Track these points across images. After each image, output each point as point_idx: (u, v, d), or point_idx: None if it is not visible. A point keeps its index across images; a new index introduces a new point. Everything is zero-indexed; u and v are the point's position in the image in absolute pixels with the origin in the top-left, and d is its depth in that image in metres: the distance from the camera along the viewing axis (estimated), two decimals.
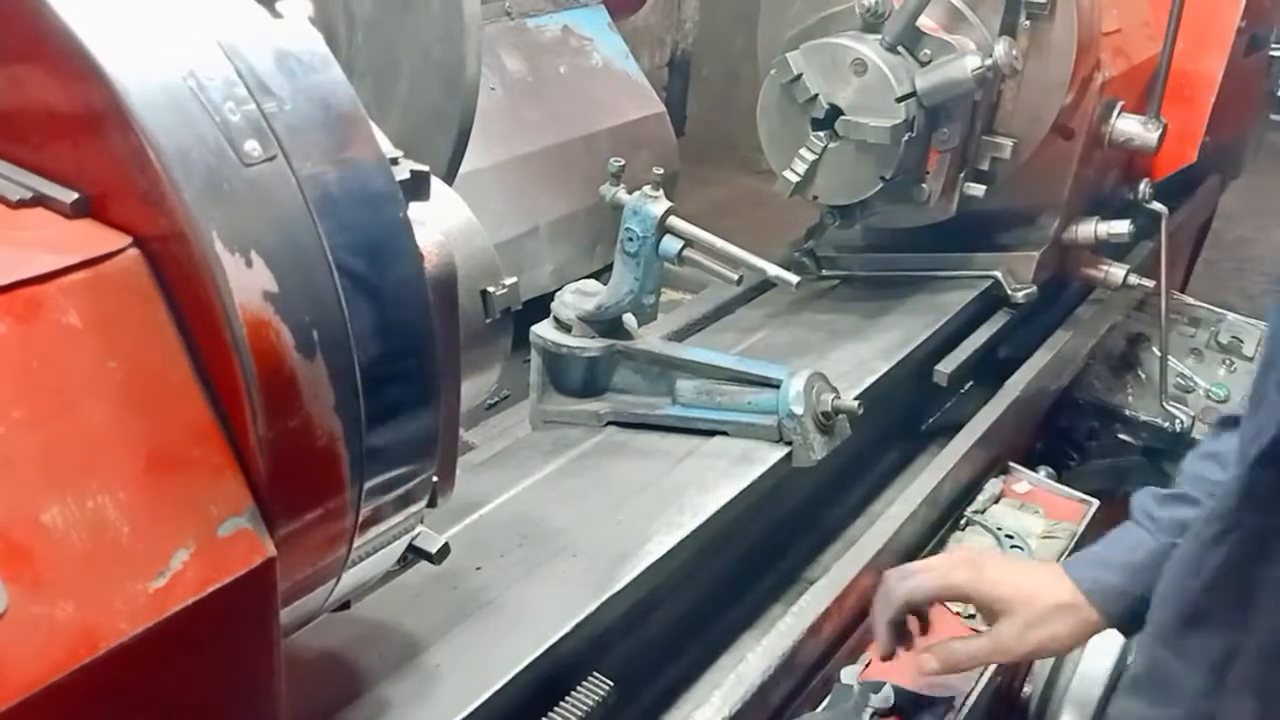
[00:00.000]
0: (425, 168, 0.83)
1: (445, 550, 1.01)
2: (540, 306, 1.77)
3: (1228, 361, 2.85)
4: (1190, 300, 2.99)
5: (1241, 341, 2.86)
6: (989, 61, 1.87)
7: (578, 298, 1.74)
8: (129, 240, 0.68)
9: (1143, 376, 2.81)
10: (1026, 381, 2.14)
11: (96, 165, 0.69)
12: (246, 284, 0.67)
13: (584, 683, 1.24)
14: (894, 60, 1.92)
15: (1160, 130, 2.20)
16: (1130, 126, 2.22)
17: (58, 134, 0.70)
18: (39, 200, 0.70)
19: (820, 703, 1.47)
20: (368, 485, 0.79)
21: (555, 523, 1.48)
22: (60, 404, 0.62)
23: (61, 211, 0.69)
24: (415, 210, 1.01)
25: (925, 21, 1.98)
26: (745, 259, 1.57)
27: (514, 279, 1.15)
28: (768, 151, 2.07)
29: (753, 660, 1.39)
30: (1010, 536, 1.81)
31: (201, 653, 0.68)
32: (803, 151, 1.99)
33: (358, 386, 0.74)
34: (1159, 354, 2.73)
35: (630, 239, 1.63)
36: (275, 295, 0.68)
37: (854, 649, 1.57)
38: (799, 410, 1.58)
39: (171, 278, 0.68)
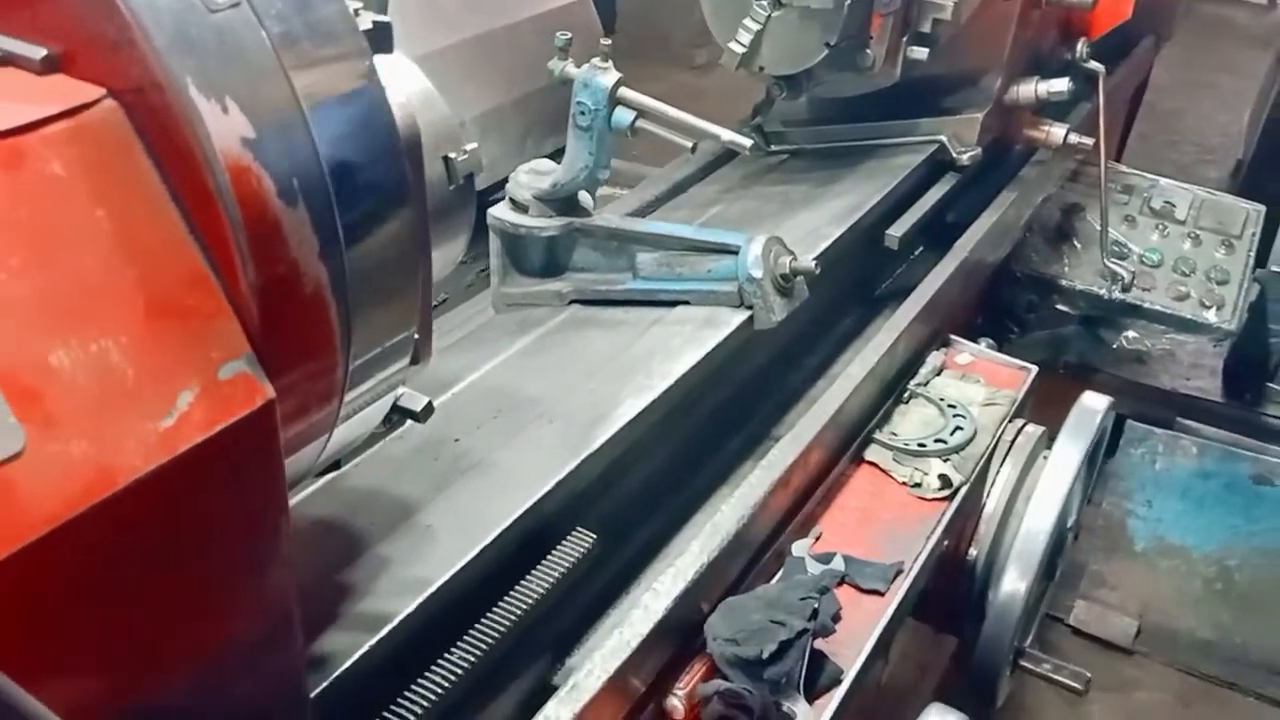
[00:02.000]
0: (387, 19, 0.84)
1: (430, 409, 1.04)
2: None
3: (1160, 226, 2.93)
4: (1123, 168, 3.06)
5: (1174, 206, 2.94)
6: None
7: (532, 177, 1.75)
8: (104, 92, 0.68)
9: (1078, 247, 2.88)
10: (975, 243, 2.19)
11: (63, 21, 0.69)
12: (224, 130, 0.68)
13: (569, 537, 1.29)
14: None
15: None
16: None
17: None
18: (7, 60, 0.70)
19: (774, 576, 1.53)
20: (355, 336, 0.82)
21: (528, 393, 1.51)
22: (53, 251, 0.64)
23: (31, 69, 0.70)
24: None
25: None
26: (698, 125, 1.59)
27: (474, 145, 1.16)
28: (711, 25, 2.07)
29: (727, 511, 1.45)
30: (953, 406, 1.87)
31: (212, 491, 0.71)
32: (746, 22, 2.00)
33: (339, 234, 0.76)
34: (1095, 224, 2.80)
35: (582, 113, 1.64)
36: (253, 141, 0.70)
37: (804, 523, 1.63)
38: (758, 274, 1.62)
39: (149, 128, 0.69)
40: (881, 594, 1.54)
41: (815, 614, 1.37)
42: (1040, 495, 1.77)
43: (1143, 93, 4.10)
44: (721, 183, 2.29)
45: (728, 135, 1.57)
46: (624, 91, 1.62)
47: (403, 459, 1.37)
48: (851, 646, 1.45)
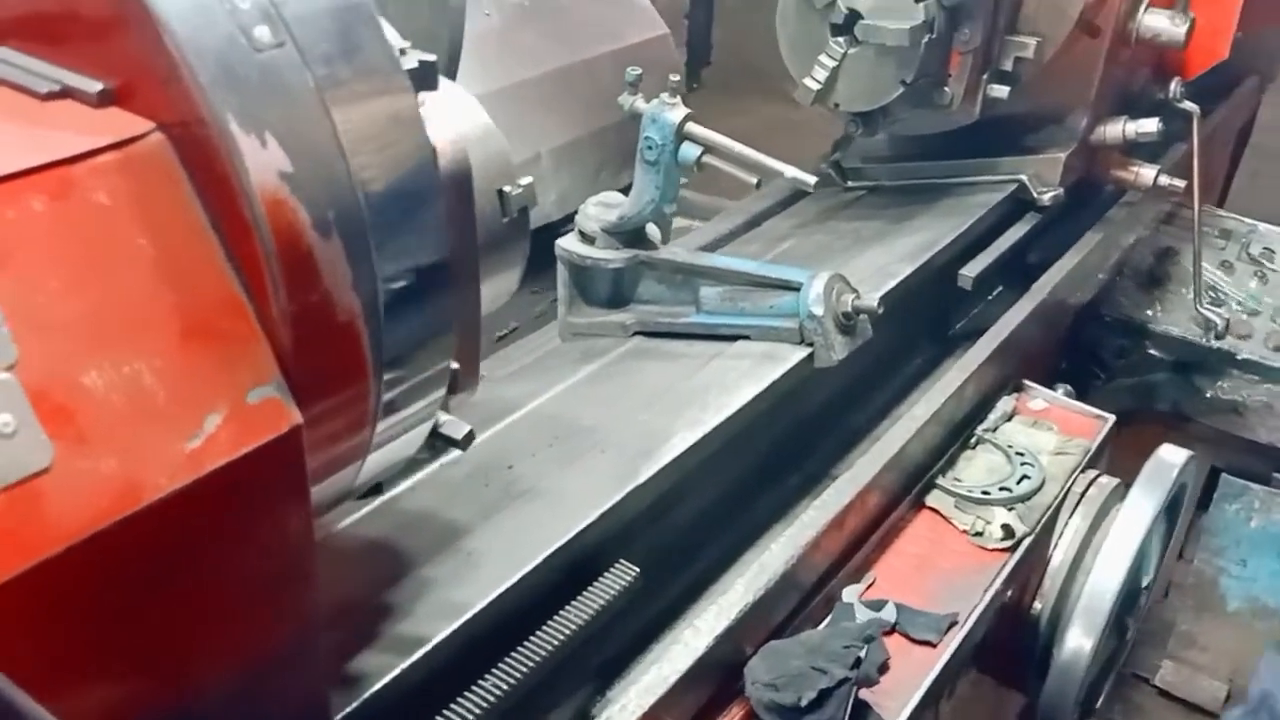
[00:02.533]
0: (432, 57, 0.86)
1: (470, 436, 1.06)
2: (546, 236, 1.80)
3: (1259, 273, 2.82)
4: (1220, 212, 2.96)
5: (1273, 252, 2.83)
6: None
7: (601, 209, 1.77)
8: (153, 126, 0.72)
9: (1171, 291, 2.80)
10: (1054, 284, 2.14)
11: (119, 57, 0.73)
12: (263, 163, 0.71)
13: (611, 569, 1.29)
14: None
15: (1188, 24, 2.16)
16: (1157, 21, 2.18)
17: (82, 30, 0.74)
18: (66, 92, 0.74)
19: (823, 621, 1.51)
20: (388, 365, 0.84)
21: (584, 423, 1.52)
22: (93, 276, 0.67)
23: (88, 102, 0.73)
24: (429, 110, 1.05)
25: None
26: (763, 162, 1.59)
27: (529, 179, 1.18)
28: (788, 60, 2.07)
29: (776, 550, 1.44)
30: (1021, 454, 1.83)
31: (236, 512, 0.73)
32: (822, 58, 1.99)
33: (374, 266, 0.78)
34: (1189, 268, 2.71)
35: (649, 147, 1.65)
36: (290, 175, 0.72)
37: (859, 568, 1.61)
38: (819, 311, 1.61)
39: (194, 160, 0.72)
40: (933, 645, 1.50)
41: (859, 663, 1.35)
42: (1109, 550, 1.71)
43: (1248, 135, 3.97)
44: (797, 217, 2.29)
45: (791, 172, 1.57)
46: (691, 127, 1.63)
47: (455, 484, 1.39)
48: (898, 698, 1.42)
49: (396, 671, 1.05)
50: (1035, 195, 2.22)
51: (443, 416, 1.05)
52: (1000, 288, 2.30)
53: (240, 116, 0.70)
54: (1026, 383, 2.06)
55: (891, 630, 1.53)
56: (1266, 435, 2.98)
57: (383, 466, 0.94)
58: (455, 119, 1.12)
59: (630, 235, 1.76)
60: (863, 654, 1.40)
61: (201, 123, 0.70)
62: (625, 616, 1.35)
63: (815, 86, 2.01)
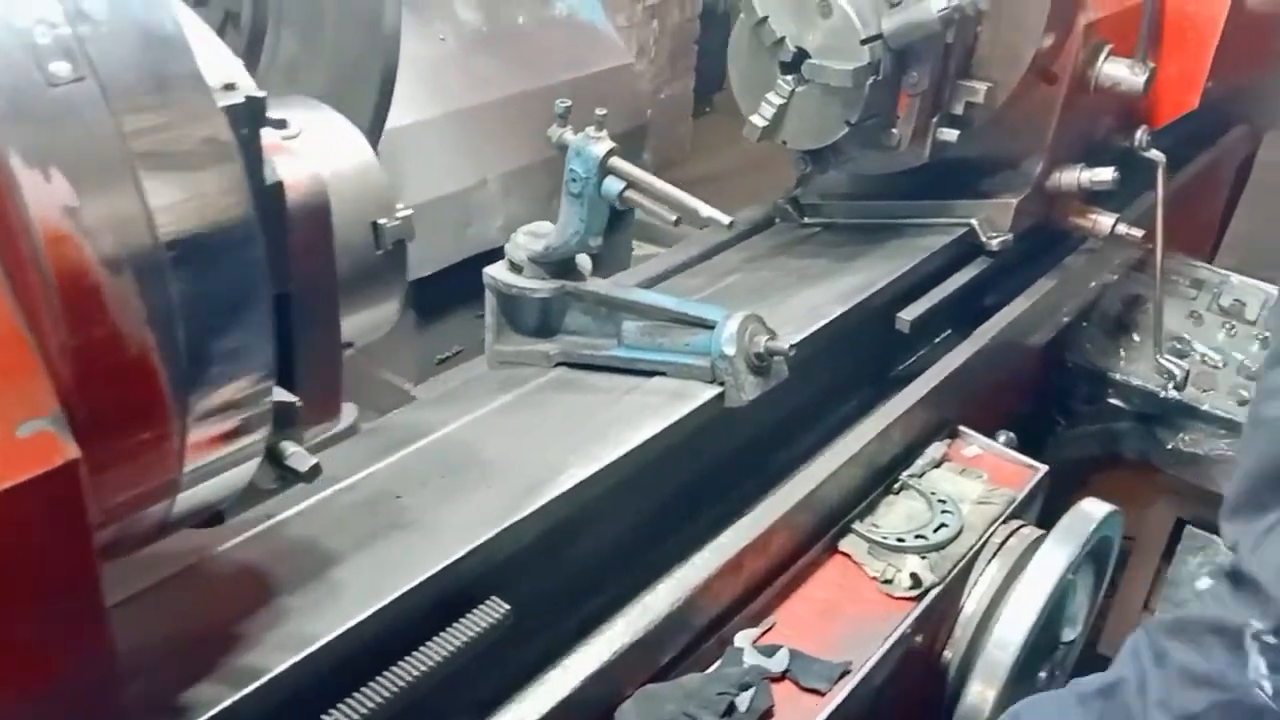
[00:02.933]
0: (261, 94, 0.86)
1: (316, 469, 1.05)
2: (493, 260, 1.80)
3: (1228, 325, 2.79)
4: (1194, 261, 2.93)
5: (1244, 305, 2.80)
6: (955, 2, 1.84)
7: (529, 239, 1.76)
8: None
9: (1137, 340, 2.77)
10: (996, 330, 2.12)
11: None
12: (44, 198, 0.71)
13: (480, 606, 1.28)
14: (861, 2, 1.90)
15: (1148, 74, 2.15)
16: (1117, 70, 2.17)
17: None
18: None
19: (712, 666, 1.49)
20: (195, 401, 0.83)
21: (483, 455, 1.52)
22: None
23: None
24: (298, 143, 1.05)
25: None
26: (682, 200, 1.58)
27: (408, 211, 1.18)
28: (738, 95, 2.07)
29: (661, 591, 1.43)
30: (943, 501, 1.81)
31: (4, 545, 0.72)
32: (770, 95, 1.98)
33: (172, 302, 0.78)
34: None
35: (574, 180, 1.65)
36: (75, 210, 0.72)
37: (761, 612, 1.59)
38: (730, 351, 1.60)
39: None
40: (822, 694, 1.48)
41: (732, 709, 1.33)
42: (1016, 601, 1.69)
43: (1242, 185, 3.93)
44: (749, 252, 2.28)
45: (707, 211, 1.56)
46: (614, 161, 1.62)
47: (341, 512, 1.39)
48: None
49: (226, 704, 1.04)
50: (984, 239, 2.20)
51: (290, 448, 1.05)
52: (949, 331, 2.28)
53: (24, 151, 0.70)
54: (962, 429, 2.04)
55: (783, 677, 1.51)
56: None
57: (204, 501, 0.94)
58: (327, 152, 1.13)
59: (558, 266, 1.75)
60: (742, 700, 1.38)
61: None
62: (503, 657, 1.34)
63: (762, 123, 2.00)
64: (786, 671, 1.51)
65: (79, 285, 0.72)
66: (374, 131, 1.82)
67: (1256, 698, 1.08)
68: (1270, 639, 1.09)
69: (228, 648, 1.13)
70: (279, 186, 0.95)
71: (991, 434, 2.14)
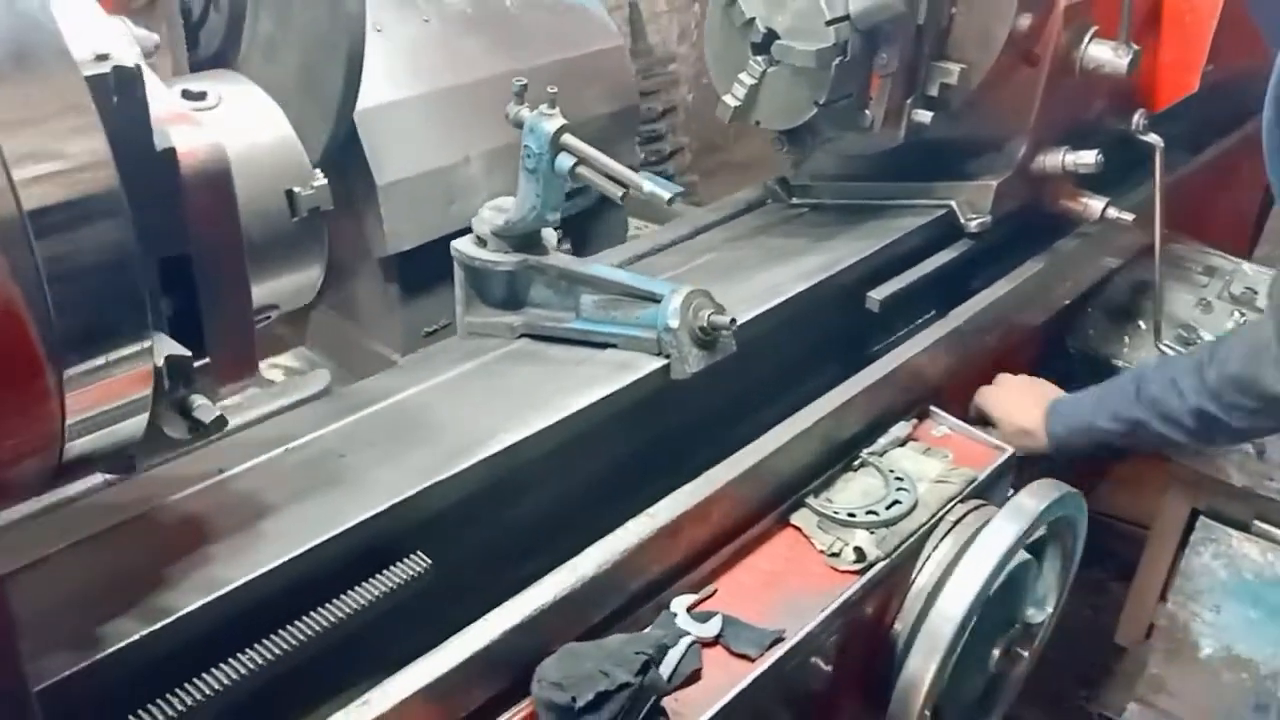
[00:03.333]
0: (132, 64, 0.92)
1: (220, 421, 1.12)
2: None
3: (1238, 313, 2.74)
4: (1207, 248, 2.87)
5: (1255, 293, 2.74)
6: None
7: (493, 213, 1.82)
8: None
9: (1143, 327, 2.73)
10: (972, 313, 2.12)
11: None
12: None
13: (404, 559, 1.34)
14: None
15: (1131, 56, 2.12)
16: (1101, 52, 2.15)
17: None
18: None
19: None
20: (70, 359, 0.90)
21: (430, 418, 1.58)
22: None
23: None
24: (210, 115, 1.12)
25: None
26: (627, 176, 1.62)
27: (323, 181, 1.24)
28: (713, 75, 2.09)
29: (591, 552, 1.47)
30: (900, 479, 1.82)
31: None
32: (742, 76, 2.01)
33: (34, 253, 0.85)
34: (1166, 305, 2.65)
35: (529, 155, 1.70)
36: None
37: (705, 579, 1.63)
38: (674, 324, 1.63)
39: None
40: (752, 660, 1.52)
41: (646, 667, 1.37)
42: (958, 576, 1.70)
43: None
44: (732, 231, 2.31)
45: (649, 186, 1.60)
46: (566, 138, 1.67)
47: (286, 470, 1.46)
48: (698, 709, 1.44)
49: (135, 638, 1.12)
50: (964, 221, 2.20)
51: (197, 401, 1.11)
52: (934, 314, 2.28)
53: None
54: (933, 409, 2.05)
55: (716, 642, 1.55)
56: (1241, 479, 2.88)
57: (95, 449, 1.00)
58: (243, 124, 1.19)
59: (521, 239, 1.81)
60: (669, 660, 1.43)
61: None
62: (431, 613, 1.39)
63: (734, 103, 2.03)
64: (719, 637, 1.55)
65: None
66: (345, 106, 1.87)
67: None
68: None
69: (150, 588, 1.20)
70: (170, 153, 1.01)
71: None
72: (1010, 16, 1.98)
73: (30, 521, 1.37)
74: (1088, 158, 2.21)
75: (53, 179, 0.85)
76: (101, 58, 0.91)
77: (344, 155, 1.96)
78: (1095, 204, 2.33)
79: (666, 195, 1.60)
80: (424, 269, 2.06)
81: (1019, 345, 2.51)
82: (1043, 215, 2.40)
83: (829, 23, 1.89)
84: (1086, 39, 2.15)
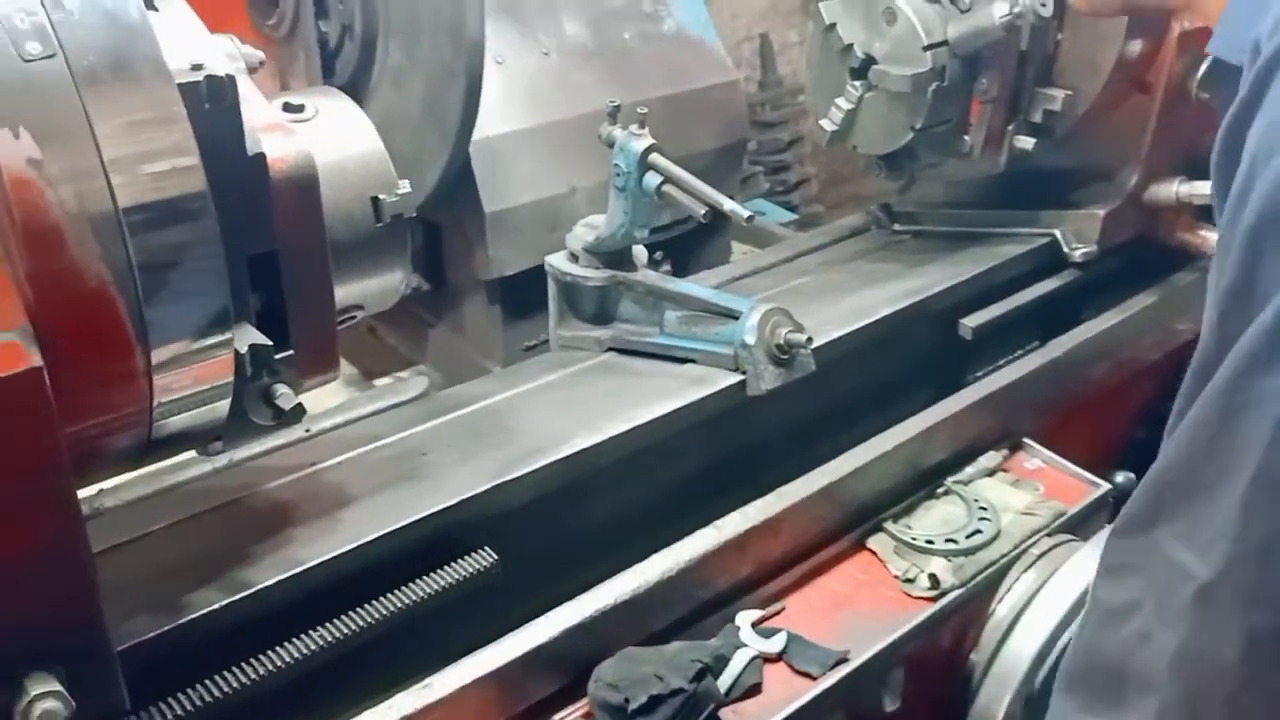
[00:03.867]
0: (222, 74, 1.01)
1: (299, 410, 1.20)
2: None
3: None
4: None
5: None
6: (1017, 9, 1.84)
7: (584, 230, 1.88)
8: None
9: None
10: (1076, 344, 2.08)
11: None
12: (12, 150, 0.88)
13: (472, 553, 1.40)
14: (926, 9, 1.92)
15: None
16: None
17: None
18: None
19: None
20: (157, 343, 0.99)
21: (510, 423, 1.64)
22: None
23: None
24: (306, 126, 1.21)
25: None
26: (709, 194, 1.66)
27: (407, 189, 1.32)
28: (811, 102, 2.13)
29: (655, 560, 1.50)
30: (983, 509, 1.79)
31: None
32: (839, 100, 2.03)
33: (126, 243, 0.94)
34: None
35: (618, 174, 1.75)
36: (39, 162, 0.89)
37: (774, 596, 1.63)
38: (750, 340, 1.66)
39: None
40: (814, 678, 1.52)
41: (701, 675, 1.39)
42: (1034, 612, 1.66)
43: None
44: (830, 255, 2.32)
45: (729, 205, 1.63)
46: (654, 157, 1.72)
47: (372, 465, 1.55)
48: None
49: (215, 606, 1.20)
50: (1068, 251, 2.16)
51: (280, 390, 1.20)
52: (1036, 344, 2.24)
53: None
54: (1026, 441, 2.01)
55: (779, 658, 1.55)
56: None
57: (180, 430, 1.09)
58: (335, 135, 1.28)
59: (612, 256, 1.86)
60: (728, 673, 1.45)
61: None
62: (496, 607, 1.45)
63: (831, 128, 2.05)
64: (783, 653, 1.55)
65: (41, 223, 0.89)
66: (463, 135, 1.97)
67: None
68: None
69: (234, 564, 1.29)
70: (260, 158, 1.10)
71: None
72: (1118, 43, 1.95)
73: (140, 503, 1.49)
74: (1203, 189, 2.14)
75: (144, 179, 0.94)
76: (196, 68, 1.00)
77: (458, 183, 2.06)
78: (1214, 237, 2.24)
79: (745, 214, 1.63)
80: (526, 291, 2.13)
81: (1132, 382, 2.43)
82: (1158, 248, 2.33)
83: (926, 48, 1.90)
84: (1203, 67, 2.09)
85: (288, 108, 1.27)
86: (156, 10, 1.04)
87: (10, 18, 0.89)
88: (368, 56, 2.04)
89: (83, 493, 1.30)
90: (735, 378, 1.68)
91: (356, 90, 2.04)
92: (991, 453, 1.94)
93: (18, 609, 0.98)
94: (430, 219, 2.23)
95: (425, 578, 1.36)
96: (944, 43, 1.91)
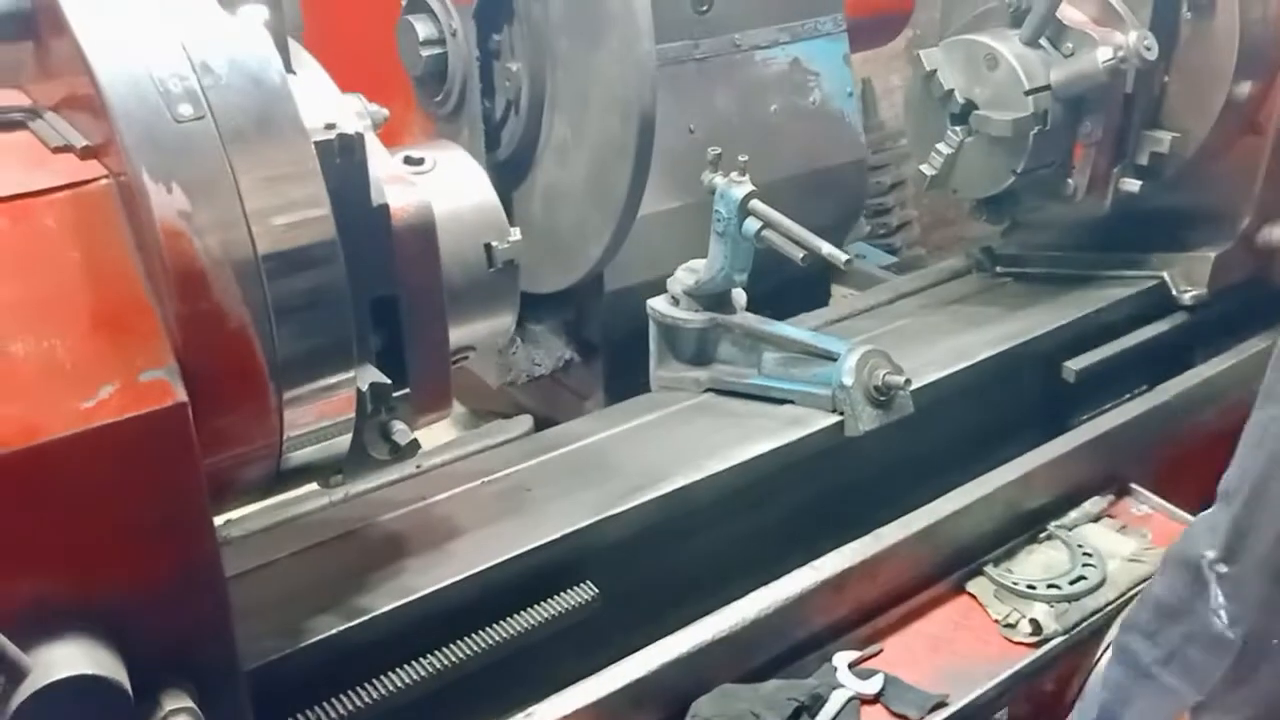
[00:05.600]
0: (352, 131, 1.08)
1: (415, 445, 1.26)
2: None
3: None
4: None
5: None
6: (1121, 53, 1.84)
7: (685, 274, 1.93)
8: (104, 173, 0.99)
9: None
10: (1185, 388, 2.04)
11: (97, 125, 1.01)
12: (166, 204, 0.96)
13: (574, 587, 1.45)
14: (1028, 54, 1.94)
15: None
16: None
17: (82, 105, 1.03)
18: (68, 147, 1.03)
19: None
20: (288, 379, 1.06)
21: (611, 460, 1.69)
22: (31, 276, 0.94)
23: (78, 154, 1.02)
24: (425, 178, 1.29)
25: (1074, 15, 1.97)
26: (808, 239, 1.69)
27: (518, 237, 1.38)
28: (912, 146, 2.14)
29: (753, 598, 1.52)
30: (1088, 554, 1.77)
31: (126, 465, 0.97)
32: (939, 146, 2.05)
33: (264, 287, 1.02)
34: None
35: (718, 220, 1.80)
36: (188, 214, 0.97)
37: (871, 637, 1.64)
38: (848, 382, 1.68)
39: (127, 200, 0.99)
40: None
41: (798, 714, 1.40)
42: None
43: None
44: (930, 298, 2.33)
45: (827, 249, 1.66)
46: (754, 204, 1.76)
47: (480, 499, 1.61)
48: None
49: (332, 631, 1.27)
50: (1176, 294, 2.13)
51: (396, 426, 1.27)
52: (1145, 388, 2.20)
53: (152, 170, 0.96)
54: (1134, 487, 1.98)
55: (877, 700, 1.56)
56: None
57: (307, 462, 1.16)
58: (452, 186, 1.36)
59: (712, 299, 1.90)
60: (801, 705, 1.45)
61: (126, 173, 0.96)
62: (598, 639, 1.49)
63: (931, 172, 2.07)
64: (880, 695, 1.56)
65: (190, 269, 0.97)
66: (629, 210, 1.95)
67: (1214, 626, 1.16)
68: (1223, 568, 1.16)
69: (351, 592, 1.36)
70: (384, 208, 1.17)
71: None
72: (1227, 84, 1.93)
73: (264, 533, 1.58)
74: None
75: (281, 228, 1.02)
76: (330, 126, 1.08)
77: None
78: None
79: (843, 259, 1.66)
80: (636, 351, 2.13)
81: (1243, 427, 2.36)
82: (1271, 291, 2.27)
83: (1028, 92, 1.91)
84: None
85: (409, 161, 1.35)
86: (295, 74, 1.12)
87: (165, 82, 0.98)
88: (532, 131, 2.06)
89: (220, 516, 1.39)
90: (833, 419, 1.70)
91: (520, 164, 2.09)
92: (1096, 498, 1.92)
93: (158, 627, 1.05)
94: None
95: (528, 609, 1.41)
96: (1046, 87, 1.92)
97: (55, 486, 0.95)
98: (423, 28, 2.03)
